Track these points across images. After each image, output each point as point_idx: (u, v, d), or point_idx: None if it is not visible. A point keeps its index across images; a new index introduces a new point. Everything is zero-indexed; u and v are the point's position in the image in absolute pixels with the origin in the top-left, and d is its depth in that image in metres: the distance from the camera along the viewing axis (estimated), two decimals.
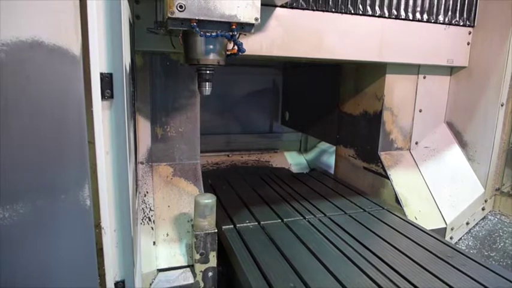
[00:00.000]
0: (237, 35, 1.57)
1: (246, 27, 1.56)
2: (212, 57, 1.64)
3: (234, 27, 1.52)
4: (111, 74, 1.08)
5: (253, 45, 1.98)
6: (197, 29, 1.47)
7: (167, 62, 2.04)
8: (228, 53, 1.71)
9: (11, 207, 0.98)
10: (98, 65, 1.03)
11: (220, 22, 1.50)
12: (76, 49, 0.99)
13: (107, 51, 1.06)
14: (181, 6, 1.41)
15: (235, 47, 1.65)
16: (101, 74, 1.05)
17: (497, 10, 2.39)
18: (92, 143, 1.06)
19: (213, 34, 1.52)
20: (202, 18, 1.45)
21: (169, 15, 1.41)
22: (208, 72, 1.71)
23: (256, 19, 1.53)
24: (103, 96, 1.07)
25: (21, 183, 0.99)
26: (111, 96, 1.09)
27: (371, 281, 1.56)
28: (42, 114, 0.98)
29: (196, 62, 1.65)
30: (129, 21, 1.49)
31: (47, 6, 0.95)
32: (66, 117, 1.01)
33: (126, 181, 1.16)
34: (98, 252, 1.12)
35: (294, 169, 4.07)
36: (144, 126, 2.06)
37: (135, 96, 1.89)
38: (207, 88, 1.75)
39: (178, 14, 1.41)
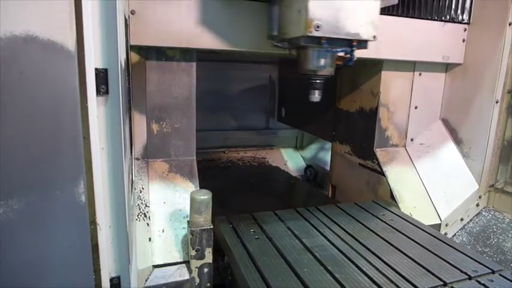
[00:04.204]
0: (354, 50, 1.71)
1: (363, 43, 1.69)
2: (327, 69, 1.79)
3: (354, 43, 1.66)
4: (106, 70, 1.07)
5: None
6: (326, 45, 1.61)
7: (163, 58, 2.03)
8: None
9: (5, 203, 0.97)
10: (93, 60, 1.03)
11: (344, 39, 1.64)
12: (71, 44, 0.98)
13: (102, 46, 1.05)
14: (318, 26, 1.55)
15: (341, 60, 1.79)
16: (96, 69, 1.04)
17: (492, 7, 2.40)
18: (86, 138, 1.06)
19: (338, 50, 1.68)
20: (332, 36, 1.60)
21: (308, 34, 1.55)
22: (319, 81, 1.86)
23: (374, 37, 1.67)
24: (98, 92, 1.06)
25: (16, 179, 0.98)
26: (106, 92, 1.08)
27: None
28: (36, 110, 0.98)
29: (313, 74, 1.80)
30: (124, 16, 1.48)
31: (41, 1, 0.94)
32: (61, 113, 1.00)
33: (121, 177, 1.16)
34: (93, 249, 1.12)
35: (290, 166, 4.08)
36: (140, 122, 2.05)
37: (130, 92, 1.88)
38: (317, 96, 1.90)
39: (314, 33, 1.56)
